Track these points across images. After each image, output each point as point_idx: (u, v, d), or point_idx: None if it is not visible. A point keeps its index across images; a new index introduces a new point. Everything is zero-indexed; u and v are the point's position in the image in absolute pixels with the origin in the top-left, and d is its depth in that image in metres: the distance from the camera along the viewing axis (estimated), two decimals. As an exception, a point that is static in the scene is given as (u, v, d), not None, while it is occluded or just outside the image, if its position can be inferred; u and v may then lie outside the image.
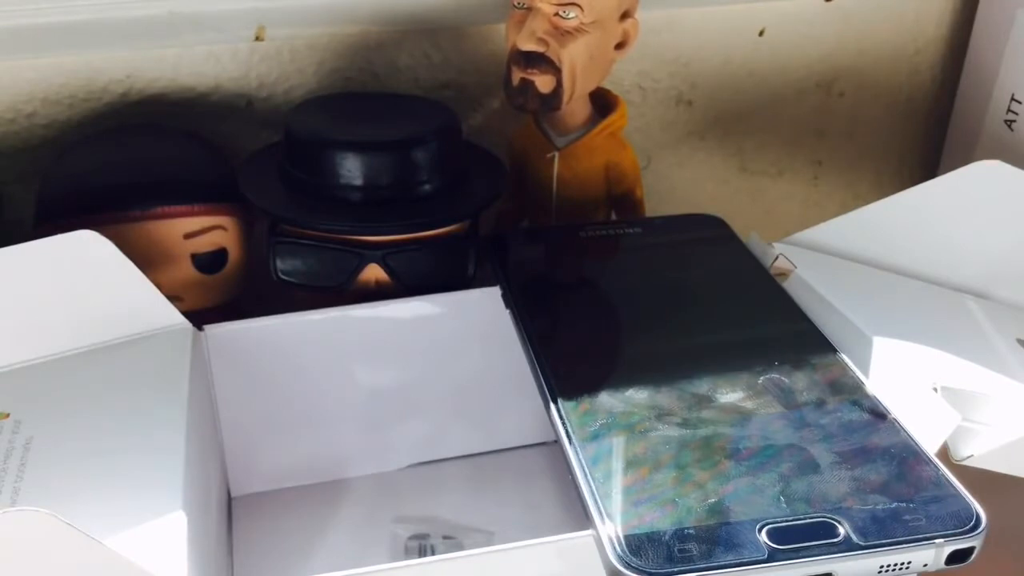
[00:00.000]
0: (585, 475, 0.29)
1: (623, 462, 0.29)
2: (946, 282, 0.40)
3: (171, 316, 0.36)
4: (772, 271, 0.40)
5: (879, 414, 0.31)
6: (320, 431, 0.41)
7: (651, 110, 0.54)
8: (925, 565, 0.26)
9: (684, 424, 0.31)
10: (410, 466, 0.43)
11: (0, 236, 0.36)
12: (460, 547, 0.38)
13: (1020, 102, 0.51)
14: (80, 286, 0.35)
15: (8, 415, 0.32)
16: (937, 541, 0.26)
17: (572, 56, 0.41)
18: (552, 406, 0.32)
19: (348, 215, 0.39)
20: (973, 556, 0.27)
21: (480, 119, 0.52)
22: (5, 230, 0.42)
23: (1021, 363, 0.35)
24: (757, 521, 0.27)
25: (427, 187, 0.41)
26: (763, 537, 0.26)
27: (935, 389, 0.32)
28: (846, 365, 0.34)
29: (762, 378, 0.33)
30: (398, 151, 0.40)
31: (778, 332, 0.36)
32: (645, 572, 0.25)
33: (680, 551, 0.26)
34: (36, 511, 0.22)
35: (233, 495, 0.41)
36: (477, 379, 0.42)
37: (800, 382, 0.33)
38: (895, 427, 0.31)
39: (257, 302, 0.42)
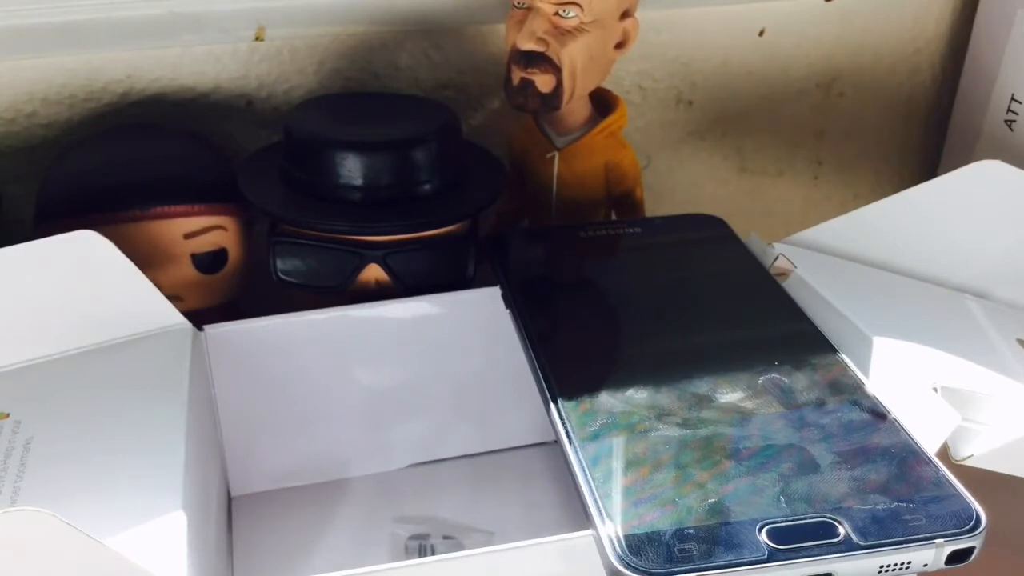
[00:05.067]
0: (585, 475, 0.29)
1: (623, 462, 0.29)
2: (946, 282, 0.40)
3: (171, 316, 0.36)
4: (772, 271, 0.40)
5: (879, 414, 0.31)
6: (320, 431, 0.41)
7: (651, 110, 0.54)
8: (925, 565, 0.26)
9: (684, 424, 0.31)
10: (410, 466, 0.43)
11: (0, 236, 0.36)
12: (460, 547, 0.38)
13: (1020, 102, 0.51)
14: (80, 286, 0.35)
15: (8, 415, 0.32)
16: (937, 541, 0.26)
17: (572, 56, 0.41)
18: (552, 406, 0.32)
19: (348, 215, 0.39)
20: (973, 556, 0.27)
21: (480, 119, 0.52)
22: (5, 230, 0.42)
23: (1021, 363, 0.35)
24: (757, 521, 0.27)
25: (427, 187, 0.41)
26: (763, 537, 0.26)
27: (935, 389, 0.32)
28: (846, 365, 0.34)
29: (762, 378, 0.33)
30: (398, 151, 0.40)
31: (778, 332, 0.36)
32: (645, 572, 0.25)
33: (680, 551, 0.26)
34: (36, 511, 0.22)
35: (233, 495, 0.41)
36: (477, 379, 0.42)
37: (800, 382, 0.33)
38: (895, 427, 0.31)
39: (257, 302, 0.42)
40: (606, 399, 0.32)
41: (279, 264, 0.40)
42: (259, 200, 0.41)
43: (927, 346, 0.34)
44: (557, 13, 0.40)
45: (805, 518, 0.27)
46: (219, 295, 0.43)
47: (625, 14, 0.42)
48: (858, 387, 0.32)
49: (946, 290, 0.40)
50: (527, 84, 0.41)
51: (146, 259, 0.38)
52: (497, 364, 0.41)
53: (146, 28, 0.45)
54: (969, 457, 0.32)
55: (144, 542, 0.27)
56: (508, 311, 0.38)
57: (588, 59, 0.41)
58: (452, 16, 0.49)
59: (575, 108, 0.44)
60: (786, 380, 0.33)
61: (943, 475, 0.28)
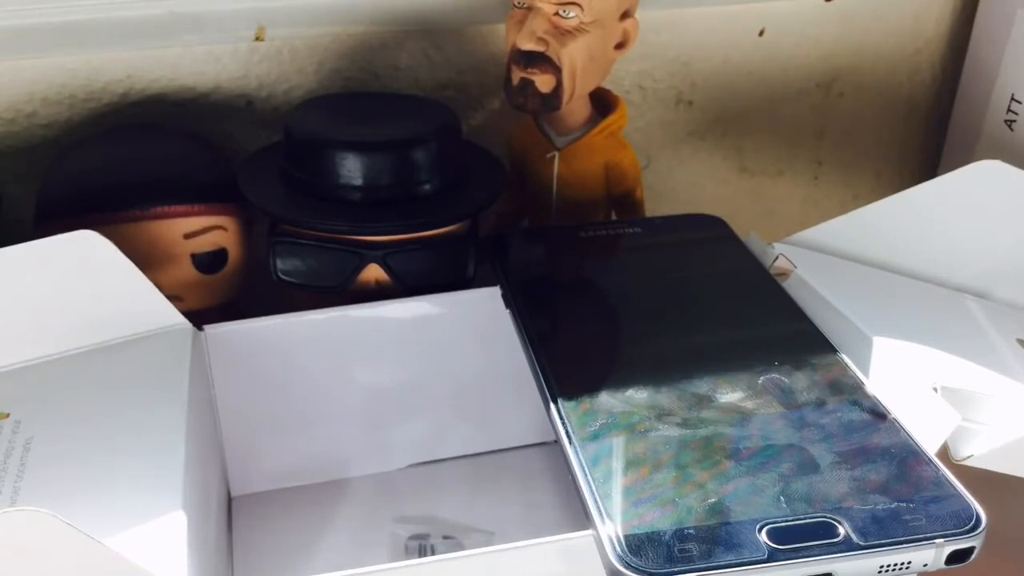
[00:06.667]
0: (585, 475, 0.29)
1: (623, 462, 0.29)
2: (946, 282, 0.40)
3: (171, 316, 0.36)
4: (772, 271, 0.40)
5: (879, 414, 0.31)
6: (320, 431, 0.41)
7: (651, 110, 0.54)
8: (925, 565, 0.26)
9: (684, 424, 0.31)
10: (410, 466, 0.43)
11: (0, 236, 0.36)
12: (460, 547, 0.38)
13: (1020, 102, 0.51)
14: (80, 286, 0.35)
15: (8, 415, 0.32)
16: (937, 541, 0.26)
17: (572, 56, 0.41)
18: (552, 406, 0.32)
19: (348, 215, 0.39)
20: (973, 556, 0.27)
21: (480, 119, 0.52)
22: (5, 230, 0.42)
23: (1021, 363, 0.35)
24: (757, 521, 0.27)
25: (427, 187, 0.41)
26: (763, 537, 0.26)
27: (935, 389, 0.32)
28: (846, 365, 0.34)
29: (762, 378, 0.33)
30: (398, 151, 0.40)
31: (778, 332, 0.36)
32: (645, 572, 0.25)
33: (680, 551, 0.26)
34: (36, 511, 0.22)
35: (233, 495, 0.41)
36: (477, 379, 0.42)
37: (800, 382, 0.33)
38: (895, 427, 0.31)
39: (257, 302, 0.42)
40: (606, 399, 0.32)
41: (279, 264, 0.40)
42: (259, 200, 0.40)
43: (927, 346, 0.34)
44: (557, 13, 0.40)
45: (805, 518, 0.27)
46: (219, 295, 0.43)
47: (625, 14, 0.42)
48: (858, 387, 0.32)
49: (946, 290, 0.40)
50: (527, 84, 0.41)
51: (146, 259, 0.38)
52: (497, 364, 0.41)
53: (146, 28, 0.45)
54: (969, 457, 0.32)
55: (144, 542, 0.27)
56: (508, 311, 0.38)
57: (588, 59, 0.41)
58: (452, 16, 0.49)
59: (575, 108, 0.44)
60: (786, 380, 0.33)
61: (943, 475, 0.28)
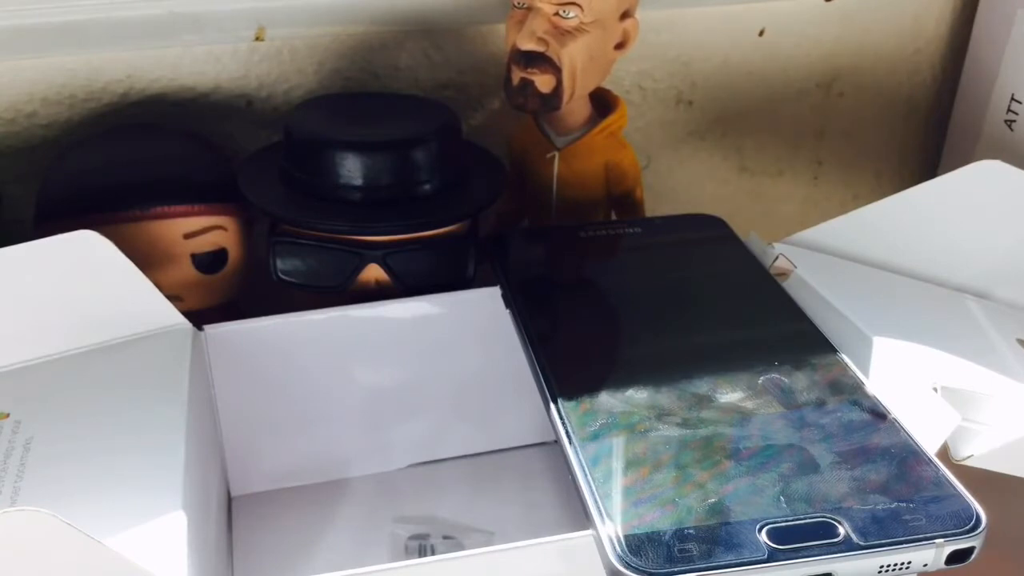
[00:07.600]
0: (585, 475, 0.29)
1: (623, 462, 0.29)
2: (946, 282, 0.40)
3: (171, 316, 0.36)
4: (772, 271, 0.40)
5: (879, 414, 0.31)
6: (320, 431, 0.41)
7: (651, 110, 0.54)
8: (925, 565, 0.26)
9: (684, 424, 0.31)
10: (410, 466, 0.43)
11: (0, 236, 0.36)
12: (460, 547, 0.38)
13: (1020, 102, 0.51)
14: (80, 286, 0.35)
15: (8, 415, 0.32)
16: (937, 541, 0.26)
17: (572, 56, 0.41)
18: (552, 406, 0.32)
19: (348, 215, 0.39)
20: (973, 556, 0.27)
21: (480, 119, 0.52)
22: (5, 230, 0.42)
23: (1021, 363, 0.35)
24: (757, 521, 0.27)
25: (427, 187, 0.41)
26: (763, 537, 0.26)
27: (935, 389, 0.32)
28: (846, 365, 0.34)
29: (762, 378, 0.33)
30: (398, 151, 0.40)
31: (778, 332, 0.36)
32: (645, 572, 0.25)
33: (680, 551, 0.26)
34: (36, 511, 0.22)
35: (233, 495, 0.41)
36: (477, 379, 0.42)
37: (800, 382, 0.33)
38: (895, 427, 0.31)
39: (257, 302, 0.42)
40: (606, 399, 0.32)
41: (279, 264, 0.40)
42: (259, 200, 0.41)
43: (927, 346, 0.34)
44: (557, 13, 0.40)
45: (805, 518, 0.27)
46: (219, 295, 0.43)
47: (625, 14, 0.42)
48: (858, 387, 0.32)
49: (946, 290, 0.40)
50: (527, 84, 0.41)
51: (146, 259, 0.38)
52: (497, 364, 0.41)
53: (146, 28, 0.45)
54: (969, 457, 0.32)
55: (144, 542, 0.27)
56: (508, 311, 0.38)
57: (588, 59, 0.41)
58: (452, 16, 0.49)
59: (575, 108, 0.44)
60: (786, 380, 0.33)
61: (943, 475, 0.28)
